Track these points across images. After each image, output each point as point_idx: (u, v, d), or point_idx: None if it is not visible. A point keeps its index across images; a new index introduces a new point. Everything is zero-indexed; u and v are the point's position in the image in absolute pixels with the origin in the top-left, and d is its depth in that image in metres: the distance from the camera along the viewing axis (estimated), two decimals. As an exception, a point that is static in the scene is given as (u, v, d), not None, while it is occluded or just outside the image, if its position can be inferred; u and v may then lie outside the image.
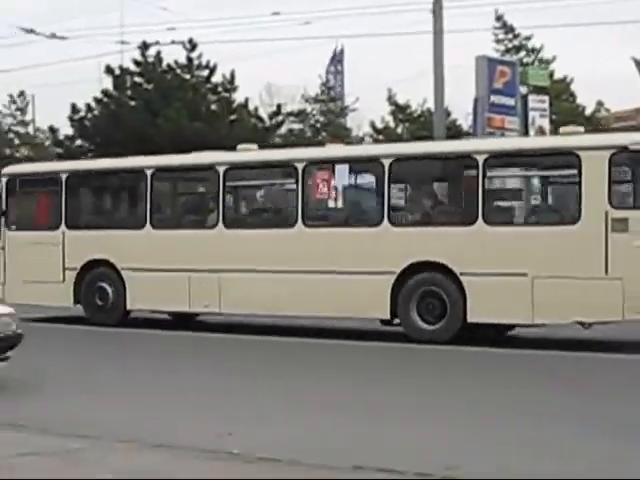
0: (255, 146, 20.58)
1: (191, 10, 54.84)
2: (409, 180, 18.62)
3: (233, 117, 40.38)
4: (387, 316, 16.82)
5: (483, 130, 32.67)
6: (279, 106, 44.57)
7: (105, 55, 40.49)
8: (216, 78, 41.04)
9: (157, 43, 38.29)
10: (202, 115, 38.29)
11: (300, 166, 18.06)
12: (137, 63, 40.11)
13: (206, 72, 41.02)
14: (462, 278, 15.90)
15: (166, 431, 8.84)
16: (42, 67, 50.77)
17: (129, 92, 40.24)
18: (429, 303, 16.41)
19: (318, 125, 51.65)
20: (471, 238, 16.10)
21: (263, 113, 43.70)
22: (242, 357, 15.46)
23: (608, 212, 14.90)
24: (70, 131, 41.57)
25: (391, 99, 51.58)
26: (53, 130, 43.49)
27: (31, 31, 32.29)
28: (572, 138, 16.88)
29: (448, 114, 39.72)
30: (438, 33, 28.51)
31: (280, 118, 43.89)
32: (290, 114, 47.18)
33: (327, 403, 10.74)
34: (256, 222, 19.92)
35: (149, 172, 19.86)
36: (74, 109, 40.51)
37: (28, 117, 54.06)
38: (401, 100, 51.58)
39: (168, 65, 40.21)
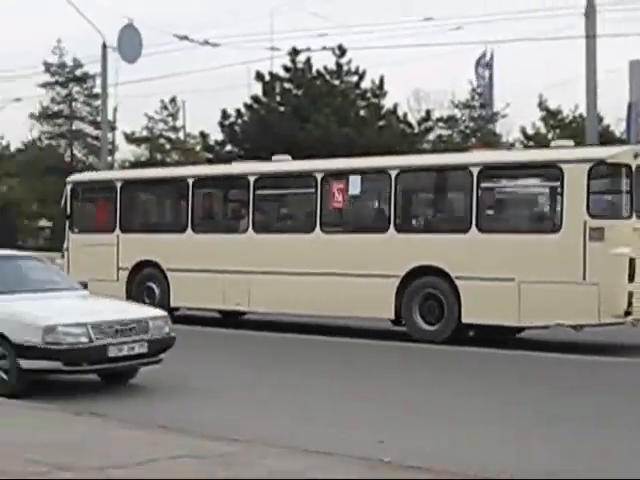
0: (289, 157, 21.70)
1: (341, 16, 54.98)
2: (413, 190, 19.84)
3: (382, 123, 40.45)
4: (392, 316, 17.82)
5: (637, 136, 31.59)
6: (428, 112, 44.52)
7: (255, 61, 41.23)
8: (365, 84, 41.44)
9: (308, 49, 38.50)
10: (351, 121, 38.55)
11: (319, 176, 19.34)
12: (287, 69, 40.83)
13: (355, 78, 41.41)
14: (457, 282, 16.96)
15: (313, 435, 8.98)
16: (193, 73, 51.76)
17: (278, 98, 41.04)
18: (430, 305, 17.41)
19: (467, 131, 51.23)
20: (465, 244, 17.21)
21: (412, 119, 43.54)
22: (342, 360, 15.77)
23: (586, 222, 15.95)
24: (220, 137, 42.45)
25: (542, 105, 50.73)
26: (204, 135, 44.54)
27: (185, 38, 32.91)
28: (555, 151, 18.26)
29: (600, 120, 38.68)
30: (591, 37, 27.69)
31: (429, 124, 43.75)
32: (439, 120, 46.88)
33: (453, 412, 10.76)
34: (281, 228, 21.37)
35: (191, 181, 21.50)
36: (224, 115, 41.23)
37: (179, 123, 55.64)
38: (552, 106, 50.63)
39: (317, 71, 40.76)
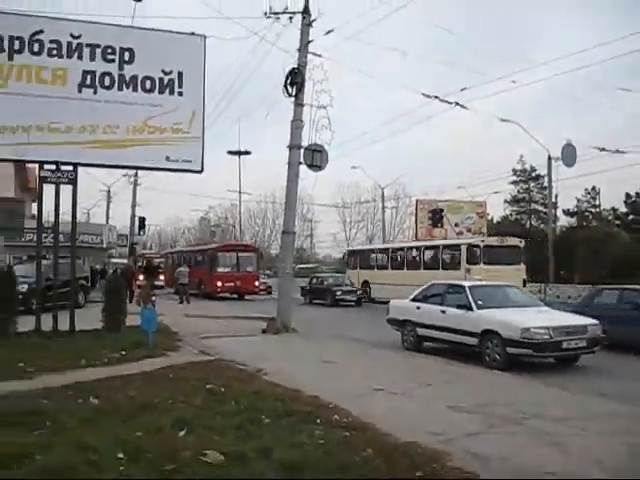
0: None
1: None
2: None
3: None
4: None
5: None
6: None
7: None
8: None
9: None
10: None
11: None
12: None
13: None
14: None
15: None
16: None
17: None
18: None
19: None
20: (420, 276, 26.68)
21: None
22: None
23: (466, 266, 26.97)
24: (624, 209, 48.03)
25: None
26: (614, 210, 50.33)
27: (603, 149, 33.33)
28: (461, 239, 33.55)
29: None
30: None
31: None
32: None
33: None
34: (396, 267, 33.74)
35: (377, 250, 36.55)
36: (628, 196, 47.49)
37: (597, 202, 56.07)
38: None
39: None
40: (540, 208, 57.87)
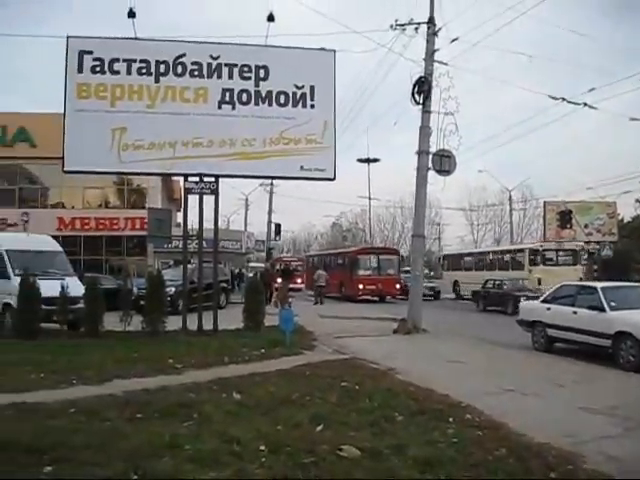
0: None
1: None
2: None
3: None
4: None
5: None
6: None
7: None
8: None
9: None
10: None
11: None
12: None
13: None
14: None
15: None
16: None
17: None
18: None
19: None
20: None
21: None
22: None
23: (529, 267, 31.51)
24: None
25: None
26: None
27: None
28: (524, 245, 38.46)
29: None
30: None
31: None
32: None
33: None
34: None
35: (468, 255, 41.50)
36: None
37: None
38: None
39: None
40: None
